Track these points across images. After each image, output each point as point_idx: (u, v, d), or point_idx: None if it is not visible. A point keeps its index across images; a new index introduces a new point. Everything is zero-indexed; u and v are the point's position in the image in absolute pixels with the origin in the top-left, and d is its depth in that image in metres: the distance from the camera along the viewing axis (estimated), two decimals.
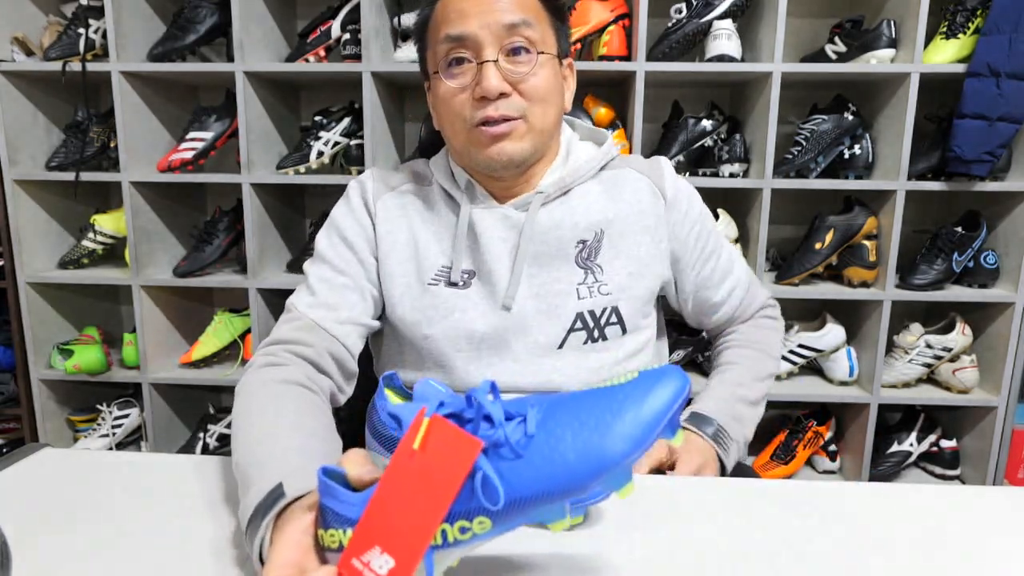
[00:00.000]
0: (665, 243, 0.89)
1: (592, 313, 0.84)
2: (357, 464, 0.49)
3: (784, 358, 1.79)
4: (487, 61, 0.77)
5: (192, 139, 1.75)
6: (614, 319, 0.85)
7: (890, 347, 1.79)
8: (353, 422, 0.92)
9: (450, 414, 0.45)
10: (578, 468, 0.42)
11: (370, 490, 0.45)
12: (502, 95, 0.77)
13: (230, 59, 1.68)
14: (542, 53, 0.79)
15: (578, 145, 0.92)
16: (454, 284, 0.85)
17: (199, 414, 2.00)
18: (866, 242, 1.71)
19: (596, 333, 0.85)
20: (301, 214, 2.04)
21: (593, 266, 0.86)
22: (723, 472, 0.84)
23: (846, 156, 1.72)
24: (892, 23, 1.61)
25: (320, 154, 1.74)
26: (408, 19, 1.73)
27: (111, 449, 1.89)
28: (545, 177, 0.87)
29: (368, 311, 0.86)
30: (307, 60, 1.71)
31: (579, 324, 0.84)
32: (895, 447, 1.81)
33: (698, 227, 0.91)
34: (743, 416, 0.89)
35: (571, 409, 0.44)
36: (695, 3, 1.65)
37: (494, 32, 0.77)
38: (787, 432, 1.88)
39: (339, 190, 0.99)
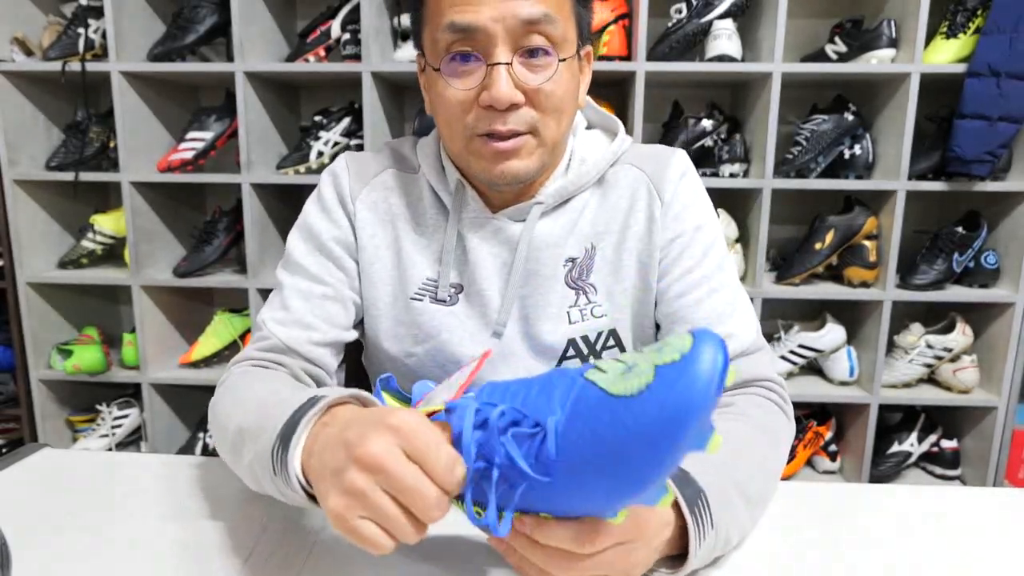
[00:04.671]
0: (658, 250, 0.76)
1: (586, 339, 0.76)
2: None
3: (784, 358, 1.79)
4: (499, 63, 0.64)
5: (192, 139, 1.75)
6: (611, 342, 0.77)
7: (890, 347, 1.79)
8: None
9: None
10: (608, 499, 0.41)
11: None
12: (512, 105, 0.66)
13: (230, 59, 1.68)
14: (563, 60, 0.67)
15: (585, 138, 0.79)
16: (441, 301, 0.76)
17: (199, 414, 1.99)
18: (866, 242, 1.71)
19: (593, 360, 0.75)
20: None
21: (585, 286, 0.76)
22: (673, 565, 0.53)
23: (846, 156, 1.72)
24: (892, 23, 1.61)
25: (320, 154, 1.74)
26: (408, 19, 1.73)
27: (111, 449, 1.89)
28: (548, 183, 0.76)
29: (350, 320, 0.78)
30: (307, 60, 1.71)
31: (572, 351, 0.76)
32: (895, 447, 1.81)
33: (685, 239, 0.75)
34: (736, 507, 0.55)
35: (590, 445, 0.40)
36: (695, 3, 1.65)
37: (509, 27, 0.63)
38: None
39: None
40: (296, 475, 0.49)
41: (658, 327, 0.79)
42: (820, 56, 1.71)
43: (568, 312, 0.75)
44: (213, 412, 0.67)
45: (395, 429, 0.42)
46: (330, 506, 0.42)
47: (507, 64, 0.64)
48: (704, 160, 1.75)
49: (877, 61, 1.61)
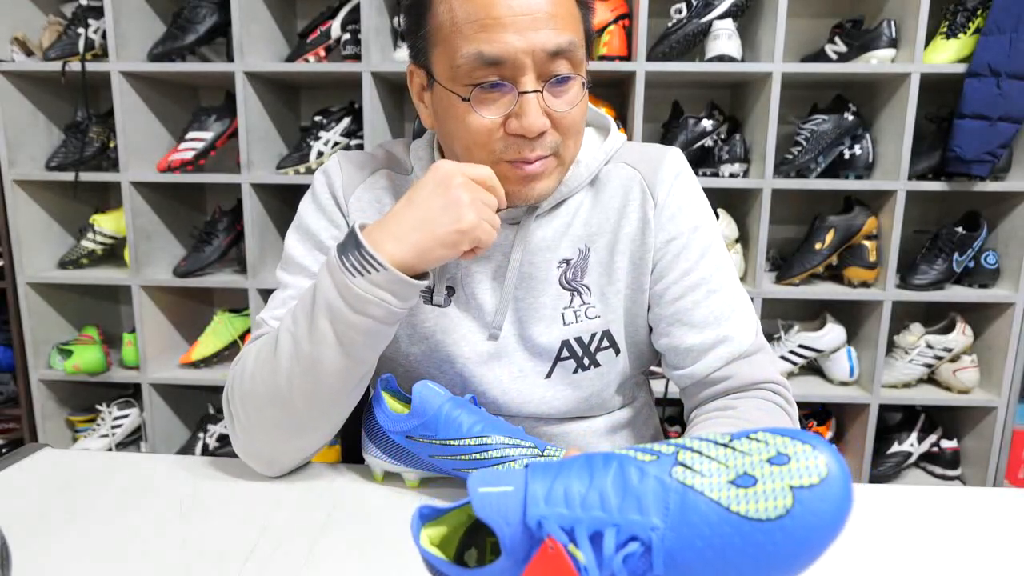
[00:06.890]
0: (652, 252, 0.75)
1: (580, 340, 0.75)
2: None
3: (784, 358, 1.79)
4: (529, 92, 0.64)
5: (192, 139, 1.75)
6: (606, 343, 0.76)
7: (890, 347, 1.79)
8: (350, 421, 0.91)
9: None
10: None
11: None
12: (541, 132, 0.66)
13: (230, 59, 1.68)
14: (585, 86, 0.68)
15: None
16: (435, 304, 0.76)
17: (199, 414, 1.99)
18: (866, 242, 1.71)
19: (587, 361, 0.76)
20: None
21: (579, 287, 0.75)
22: None
23: (846, 156, 1.72)
24: (892, 23, 1.61)
25: (320, 154, 1.74)
26: (404, 28, 1.73)
27: (111, 449, 1.89)
28: None
29: None
30: (307, 60, 1.71)
31: (566, 353, 0.76)
32: (895, 447, 1.81)
33: (682, 241, 0.74)
34: None
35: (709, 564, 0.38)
36: (695, 3, 1.65)
37: (538, 59, 0.64)
38: None
39: None
40: (366, 245, 0.61)
41: (650, 329, 0.79)
42: (820, 56, 1.71)
43: (563, 314, 0.75)
44: (238, 380, 0.69)
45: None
46: (470, 220, 0.63)
47: (537, 92, 0.64)
48: (704, 160, 1.75)
49: (877, 61, 1.61)
